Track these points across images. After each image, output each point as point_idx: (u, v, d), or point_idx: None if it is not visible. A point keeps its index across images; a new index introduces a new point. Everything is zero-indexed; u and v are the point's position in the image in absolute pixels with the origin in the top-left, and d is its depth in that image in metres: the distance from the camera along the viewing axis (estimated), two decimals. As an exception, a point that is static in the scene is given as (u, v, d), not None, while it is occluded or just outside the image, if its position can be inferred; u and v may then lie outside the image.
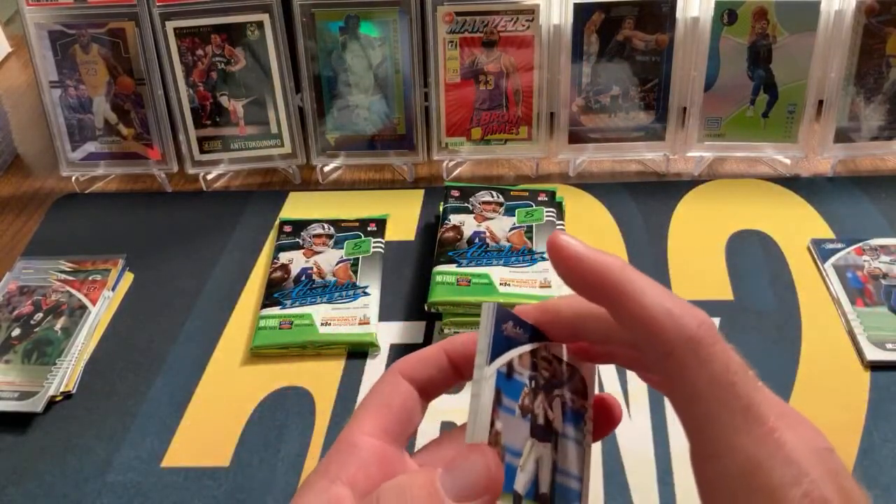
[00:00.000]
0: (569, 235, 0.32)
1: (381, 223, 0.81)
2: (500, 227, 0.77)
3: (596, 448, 0.60)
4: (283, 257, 0.78)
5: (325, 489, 0.30)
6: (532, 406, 0.30)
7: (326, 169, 0.92)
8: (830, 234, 0.79)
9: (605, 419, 0.35)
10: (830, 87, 0.84)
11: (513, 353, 0.30)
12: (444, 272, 0.72)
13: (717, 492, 0.29)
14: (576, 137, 0.88)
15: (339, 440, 0.33)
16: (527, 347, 0.30)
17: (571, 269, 0.31)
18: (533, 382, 0.30)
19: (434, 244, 0.77)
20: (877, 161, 0.90)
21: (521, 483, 0.29)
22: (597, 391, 0.35)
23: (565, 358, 0.32)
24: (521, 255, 0.73)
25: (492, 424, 0.28)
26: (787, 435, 0.28)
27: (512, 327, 0.30)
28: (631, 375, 0.65)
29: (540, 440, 0.30)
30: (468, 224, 0.77)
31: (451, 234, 0.76)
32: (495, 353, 0.29)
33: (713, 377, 0.29)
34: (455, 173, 0.91)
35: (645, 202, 0.85)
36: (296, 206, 0.87)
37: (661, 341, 0.29)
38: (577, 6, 0.82)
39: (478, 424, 0.28)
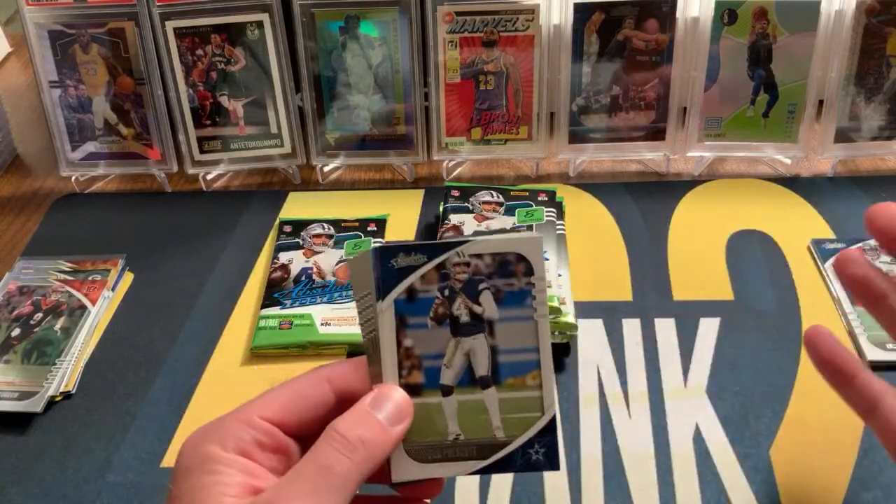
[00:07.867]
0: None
1: (381, 223, 0.81)
2: (501, 226, 0.77)
3: (596, 448, 0.60)
4: (283, 257, 0.78)
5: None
6: (449, 311, 0.35)
7: (326, 169, 0.92)
8: (831, 234, 0.79)
9: None
10: (830, 87, 0.84)
11: (411, 278, 0.35)
12: (444, 272, 0.72)
13: None
14: (576, 137, 0.88)
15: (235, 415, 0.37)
16: (430, 265, 0.35)
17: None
18: (446, 291, 0.35)
19: (434, 244, 0.77)
20: (877, 161, 0.90)
21: (448, 377, 0.35)
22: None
23: (494, 250, 0.35)
24: (521, 255, 0.73)
25: (399, 345, 0.35)
26: None
27: (405, 257, 0.35)
28: (631, 375, 0.65)
29: (468, 335, 0.36)
30: (468, 224, 0.77)
31: (451, 233, 0.76)
32: (386, 287, 0.35)
33: None
34: (455, 173, 0.91)
35: (645, 202, 0.85)
36: (296, 206, 0.87)
37: None
38: (577, 6, 0.82)
39: (384, 355, 0.35)
